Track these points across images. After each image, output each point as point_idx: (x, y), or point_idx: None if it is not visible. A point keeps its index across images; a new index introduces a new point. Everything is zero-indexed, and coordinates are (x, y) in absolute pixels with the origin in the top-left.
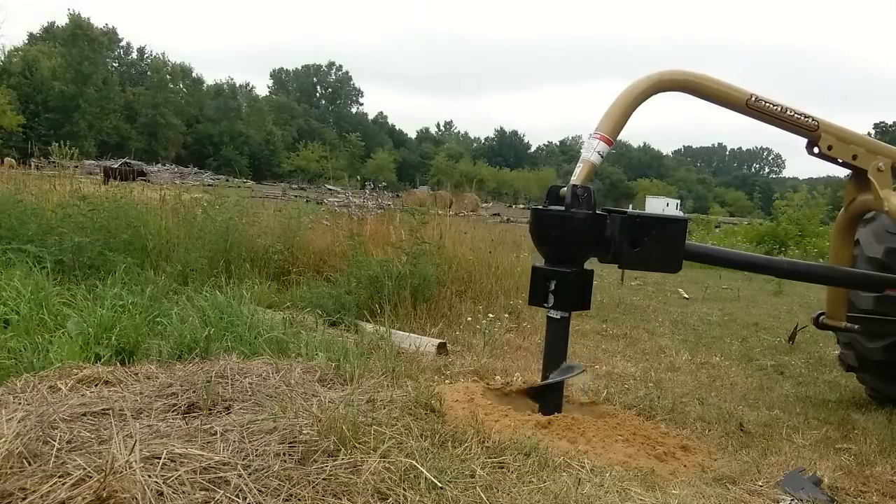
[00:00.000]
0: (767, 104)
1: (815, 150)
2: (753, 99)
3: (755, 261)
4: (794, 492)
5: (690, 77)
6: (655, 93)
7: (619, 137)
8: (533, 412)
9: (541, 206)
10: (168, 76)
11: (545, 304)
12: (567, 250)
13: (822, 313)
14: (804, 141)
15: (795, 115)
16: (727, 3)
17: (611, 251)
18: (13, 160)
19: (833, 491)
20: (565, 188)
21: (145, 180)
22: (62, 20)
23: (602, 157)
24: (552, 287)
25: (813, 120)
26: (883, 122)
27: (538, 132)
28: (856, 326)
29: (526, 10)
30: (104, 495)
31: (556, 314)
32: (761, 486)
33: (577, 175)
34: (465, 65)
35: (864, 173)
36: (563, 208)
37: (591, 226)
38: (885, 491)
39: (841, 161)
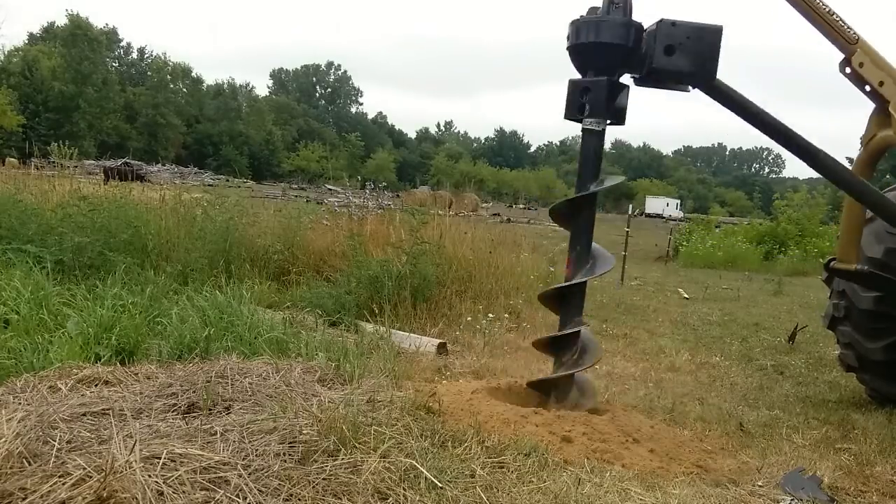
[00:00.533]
0: (819, 1)
1: (847, 69)
2: None
3: (788, 133)
4: (794, 492)
5: None
6: None
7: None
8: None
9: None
10: (168, 76)
11: (580, 115)
12: (602, 58)
13: (834, 258)
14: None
15: (839, 22)
16: (723, 6)
17: (645, 63)
18: (15, 160)
19: (833, 491)
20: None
21: (143, 180)
22: (62, 20)
23: None
24: (588, 98)
25: (855, 33)
26: None
27: (538, 132)
28: (865, 268)
29: (523, 12)
30: (104, 495)
31: (591, 125)
32: (761, 486)
33: None
34: (464, 66)
35: (886, 107)
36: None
37: (628, 31)
38: (885, 491)
39: (868, 89)
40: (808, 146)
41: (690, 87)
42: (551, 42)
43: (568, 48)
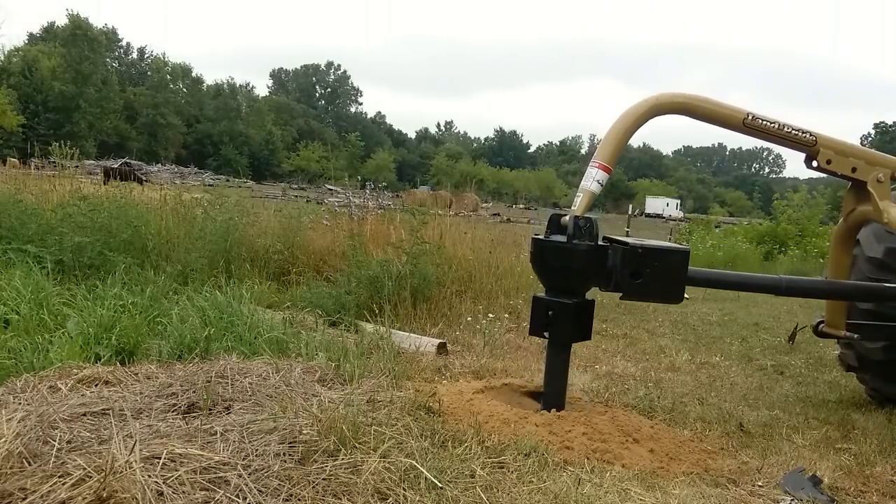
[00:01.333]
0: (764, 122)
1: (814, 163)
2: (750, 118)
3: (753, 281)
4: (794, 492)
5: (687, 99)
6: (652, 117)
7: None
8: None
9: (541, 236)
10: (168, 76)
11: (546, 335)
12: (568, 281)
13: (822, 321)
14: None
15: (793, 132)
16: (724, 10)
17: (612, 281)
18: (16, 160)
19: (833, 491)
20: (566, 216)
21: (143, 182)
22: (62, 20)
23: (601, 185)
24: (553, 318)
25: (811, 135)
26: (883, 123)
27: (537, 132)
28: (855, 336)
29: (523, 12)
30: (104, 495)
31: (556, 344)
32: (761, 487)
33: (578, 205)
34: (464, 66)
35: (864, 185)
36: (564, 239)
37: (593, 257)
38: (885, 491)
39: (840, 174)
40: (769, 282)
41: None
42: (551, 42)
43: (532, 263)
